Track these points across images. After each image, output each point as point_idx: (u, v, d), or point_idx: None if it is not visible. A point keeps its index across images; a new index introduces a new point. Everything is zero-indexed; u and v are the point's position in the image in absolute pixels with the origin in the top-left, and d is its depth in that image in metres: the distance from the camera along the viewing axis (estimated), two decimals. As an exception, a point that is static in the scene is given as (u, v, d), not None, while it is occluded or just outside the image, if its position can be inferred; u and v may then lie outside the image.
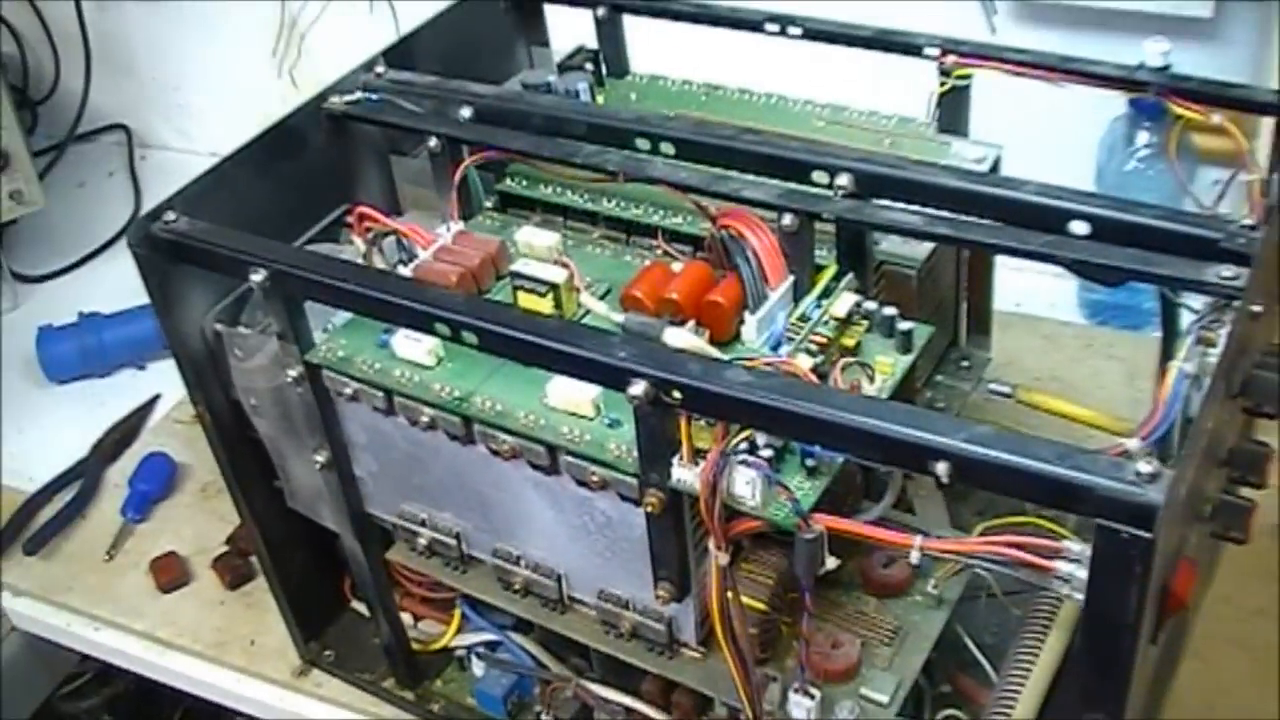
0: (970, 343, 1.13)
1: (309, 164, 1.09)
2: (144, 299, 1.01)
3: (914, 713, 0.98)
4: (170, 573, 1.33)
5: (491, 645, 1.12)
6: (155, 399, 1.57)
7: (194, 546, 1.37)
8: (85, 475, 1.46)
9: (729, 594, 0.85)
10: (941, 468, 0.70)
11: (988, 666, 1.00)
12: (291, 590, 1.18)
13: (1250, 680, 1.12)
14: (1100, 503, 0.66)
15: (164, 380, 1.57)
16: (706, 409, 0.78)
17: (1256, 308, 0.83)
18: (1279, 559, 1.18)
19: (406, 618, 1.16)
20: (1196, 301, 0.82)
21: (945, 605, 0.97)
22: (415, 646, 1.15)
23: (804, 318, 0.89)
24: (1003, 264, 1.23)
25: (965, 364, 1.12)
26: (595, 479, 0.87)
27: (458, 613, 1.12)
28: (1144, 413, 0.76)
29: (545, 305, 0.93)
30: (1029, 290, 1.45)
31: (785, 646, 0.94)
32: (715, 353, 0.87)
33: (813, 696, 0.90)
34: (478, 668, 1.12)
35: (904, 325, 0.90)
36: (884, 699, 0.92)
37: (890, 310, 0.91)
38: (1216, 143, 1.18)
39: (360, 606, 1.19)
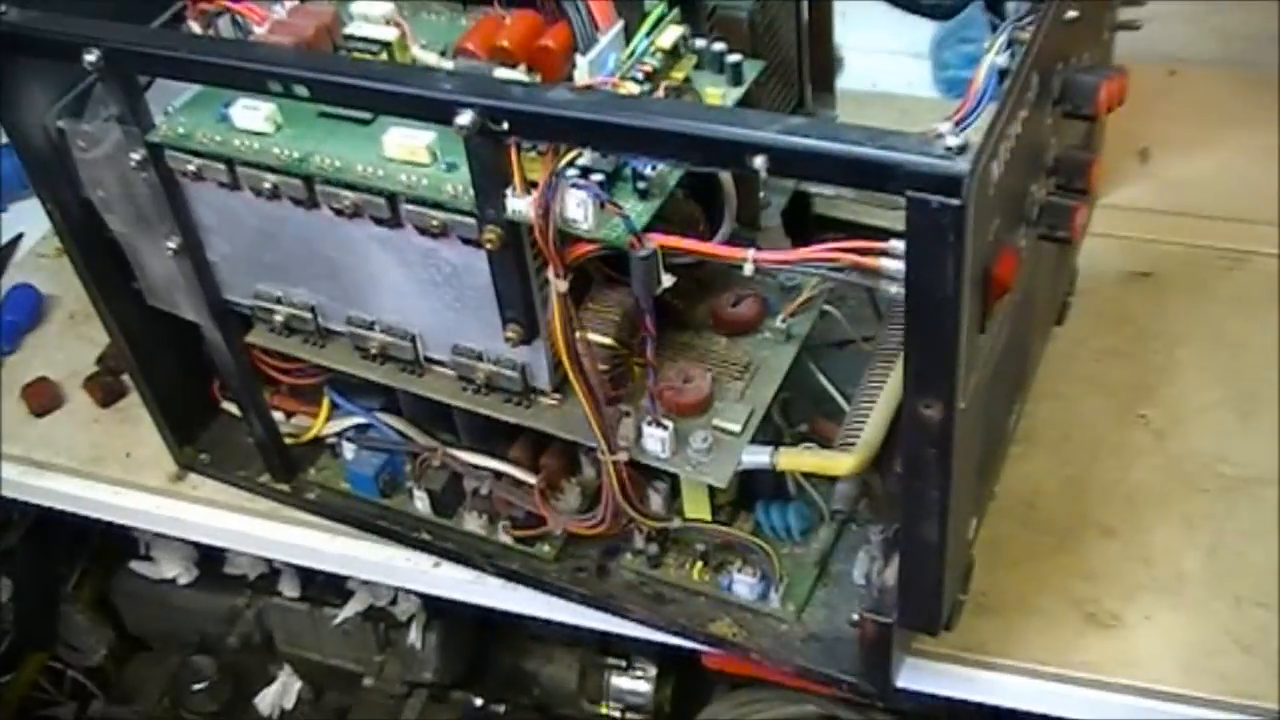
0: (816, 101, 1.14)
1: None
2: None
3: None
4: (42, 397, 1.33)
5: (362, 429, 1.13)
6: (18, 238, 1.55)
7: (65, 371, 1.36)
8: (-50, 315, 1.45)
9: (574, 326, 0.86)
10: (759, 161, 0.71)
11: (845, 407, 1.02)
12: (162, 396, 1.18)
13: (1103, 413, 1.16)
14: (910, 176, 0.68)
15: (26, 220, 1.56)
16: (533, 132, 0.79)
17: (1071, 13, 0.85)
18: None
19: (278, 416, 1.16)
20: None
21: (794, 340, 0.99)
22: (288, 441, 1.16)
23: (633, 54, 0.90)
24: (857, 47, 1.25)
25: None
26: (435, 224, 0.88)
27: (326, 400, 1.13)
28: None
29: (379, 64, 0.93)
30: (885, 71, 1.47)
31: (639, 389, 0.96)
32: (542, 86, 0.87)
33: (666, 428, 0.92)
34: (349, 451, 1.13)
35: (733, 58, 0.91)
36: (736, 428, 0.94)
37: (719, 46, 0.92)
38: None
39: (232, 408, 1.19)
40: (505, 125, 0.78)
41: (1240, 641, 0.99)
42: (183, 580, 1.66)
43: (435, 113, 0.80)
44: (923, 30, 1.53)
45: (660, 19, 0.92)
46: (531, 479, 1.04)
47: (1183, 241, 1.30)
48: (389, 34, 0.93)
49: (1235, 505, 1.08)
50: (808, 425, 1.05)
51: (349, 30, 0.94)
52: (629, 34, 0.92)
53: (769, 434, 0.99)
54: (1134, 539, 1.07)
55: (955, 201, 0.67)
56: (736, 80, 0.92)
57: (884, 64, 1.44)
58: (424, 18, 1.03)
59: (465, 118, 0.78)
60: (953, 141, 0.68)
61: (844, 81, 1.17)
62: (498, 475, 1.06)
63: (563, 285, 0.84)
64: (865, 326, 1.08)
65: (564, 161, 0.80)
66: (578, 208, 0.81)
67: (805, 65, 1.11)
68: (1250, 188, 1.32)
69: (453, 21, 1.02)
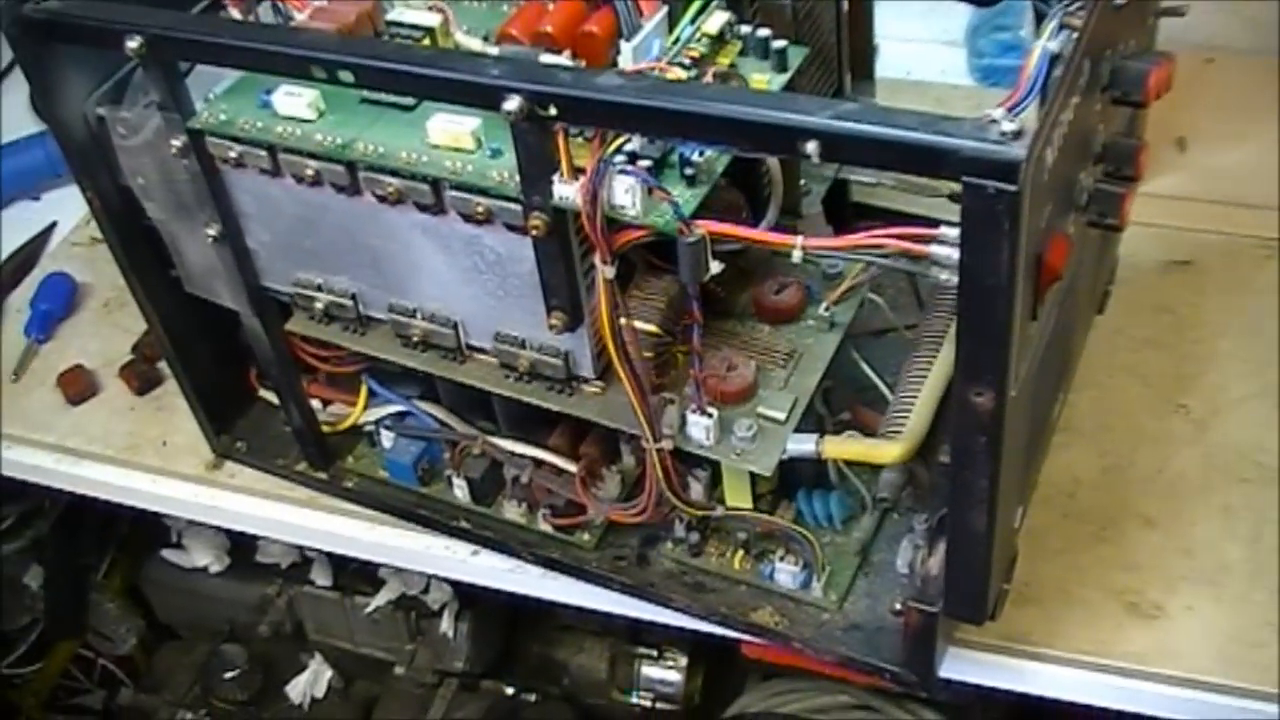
0: (855, 89, 1.13)
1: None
2: (33, 129, 1.00)
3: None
4: (78, 385, 1.33)
5: (400, 417, 1.13)
6: (52, 226, 1.55)
7: (101, 359, 1.36)
8: (-15, 303, 1.45)
9: (619, 313, 0.86)
10: (811, 146, 0.71)
11: (888, 394, 1.02)
12: (199, 383, 1.18)
13: (1143, 403, 1.15)
14: (966, 162, 0.67)
15: (60, 208, 1.56)
16: (580, 117, 0.79)
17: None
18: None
19: (315, 404, 1.16)
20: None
21: (838, 328, 0.99)
22: (325, 428, 1.16)
23: (678, 40, 0.90)
24: (891, 35, 1.24)
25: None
26: (480, 211, 0.87)
27: (364, 388, 1.13)
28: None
29: (421, 50, 0.93)
30: (920, 58, 1.46)
31: (682, 377, 0.96)
32: (590, 73, 0.87)
33: (710, 416, 0.92)
34: (387, 439, 1.13)
35: (778, 44, 0.91)
36: (780, 416, 0.93)
37: (764, 31, 0.92)
38: None
39: (269, 396, 1.19)
40: (553, 110, 0.78)
41: (1283, 632, 0.99)
42: (214, 569, 1.66)
43: (482, 98, 0.80)
44: (956, 18, 1.52)
45: (705, 4, 0.92)
46: (572, 467, 1.03)
47: (1221, 230, 1.29)
48: (432, 19, 0.93)
49: (1275, 496, 1.07)
50: (850, 413, 1.05)
51: (391, 16, 0.95)
52: (672, 20, 0.92)
53: (811, 422, 0.99)
54: (1175, 529, 1.06)
55: (1011, 187, 0.66)
56: (781, 66, 0.91)
57: (918, 52, 1.44)
58: (465, 3, 1.02)
59: (513, 103, 0.78)
60: (1008, 127, 0.67)
61: (878, 70, 1.16)
62: (538, 463, 1.05)
63: (610, 272, 0.83)
64: (906, 314, 1.08)
65: (613, 147, 0.80)
66: (625, 194, 0.81)
67: (844, 52, 1.11)
68: (1289, 178, 1.31)
69: (494, 7, 1.01)
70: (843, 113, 0.71)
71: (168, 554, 1.68)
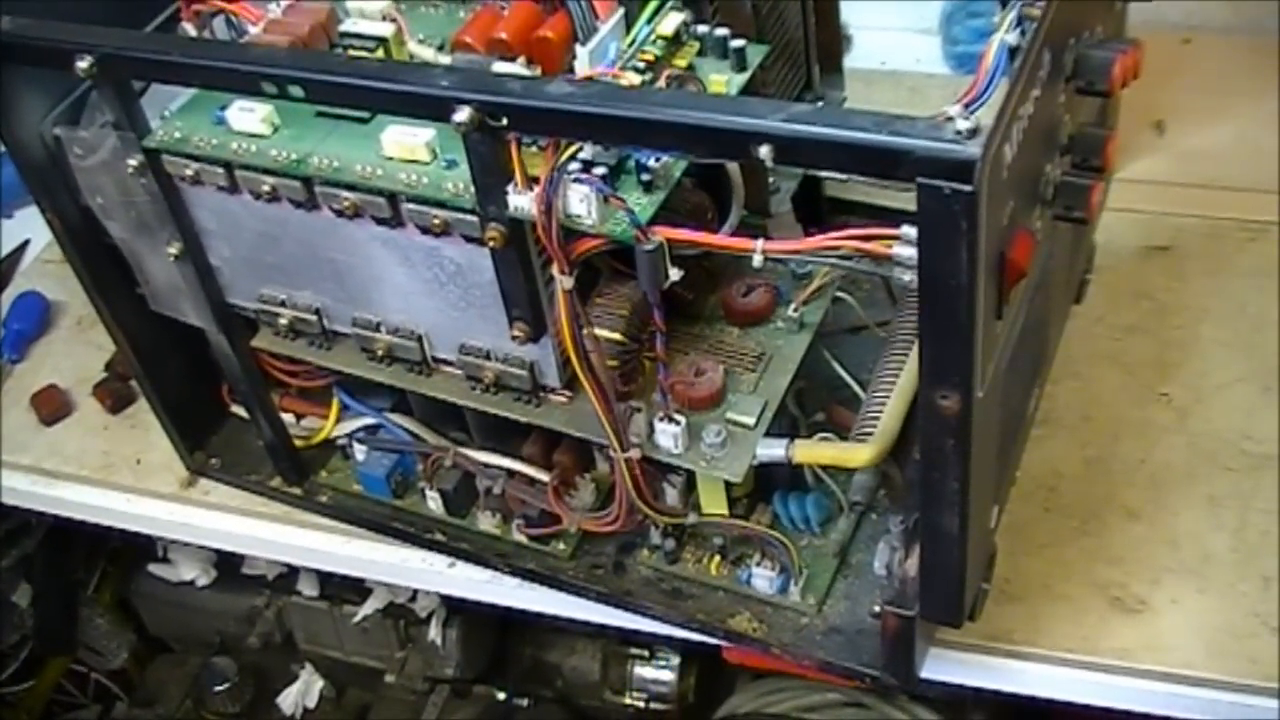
0: (824, 84, 1.12)
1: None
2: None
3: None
4: (52, 405, 1.32)
5: (373, 430, 1.12)
6: (25, 244, 1.54)
7: (74, 378, 1.35)
8: (-43, 324, 1.44)
9: (580, 323, 0.84)
10: (764, 150, 0.70)
11: (862, 394, 1.01)
12: (170, 401, 1.17)
13: (1124, 393, 1.14)
14: (920, 163, 0.66)
15: (32, 227, 1.54)
16: (531, 126, 0.77)
17: (1080, -13, 0.83)
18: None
19: (288, 418, 1.15)
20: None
21: (807, 329, 0.98)
22: (298, 443, 1.15)
23: (634, 42, 0.88)
24: (865, 25, 1.23)
25: (820, 105, 1.11)
26: (437, 223, 0.86)
27: (335, 402, 1.12)
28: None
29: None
30: (894, 48, 1.45)
31: (651, 384, 0.94)
32: (542, 79, 0.86)
33: (678, 423, 0.90)
34: (359, 453, 1.12)
35: (736, 43, 0.89)
36: (750, 421, 0.92)
37: (722, 31, 0.90)
38: None
39: (242, 411, 1.18)
40: (504, 121, 0.76)
41: (1269, 623, 0.97)
42: (201, 582, 1.65)
43: (432, 110, 0.78)
44: (931, 6, 1.51)
45: (661, 5, 0.91)
46: (545, 476, 1.02)
47: (1201, 214, 1.28)
48: (385, 29, 0.92)
49: (1260, 483, 1.06)
50: (824, 414, 1.04)
51: (345, 27, 0.93)
52: (629, 22, 0.91)
53: (784, 424, 0.98)
54: (1158, 520, 1.05)
55: (967, 187, 0.65)
56: (741, 66, 0.90)
57: (892, 41, 1.42)
58: (422, 11, 1.01)
59: (463, 114, 0.76)
60: (963, 125, 0.66)
61: (852, 60, 1.15)
62: (510, 474, 1.04)
63: (568, 282, 0.82)
64: (880, 311, 1.07)
65: (565, 156, 0.79)
66: (581, 203, 0.79)
67: (812, 46, 1.09)
68: (1269, 157, 1.29)
69: (451, 14, 1.00)
70: (795, 115, 0.69)
71: (155, 568, 1.67)
